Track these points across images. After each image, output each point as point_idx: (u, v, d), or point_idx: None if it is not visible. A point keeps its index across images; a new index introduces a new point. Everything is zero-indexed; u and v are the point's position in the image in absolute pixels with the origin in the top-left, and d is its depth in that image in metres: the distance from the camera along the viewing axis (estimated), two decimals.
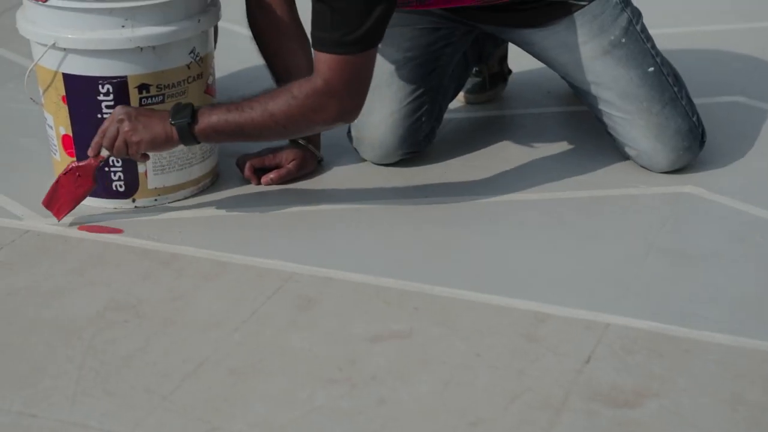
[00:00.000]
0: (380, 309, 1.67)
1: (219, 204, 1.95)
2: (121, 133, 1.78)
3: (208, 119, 1.77)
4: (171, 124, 1.77)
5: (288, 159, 1.99)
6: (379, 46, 1.84)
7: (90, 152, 1.82)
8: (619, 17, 1.94)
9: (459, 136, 2.16)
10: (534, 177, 2.01)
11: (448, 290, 1.70)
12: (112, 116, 1.79)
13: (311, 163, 2.02)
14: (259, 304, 1.68)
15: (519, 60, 2.34)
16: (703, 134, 1.99)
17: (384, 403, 1.48)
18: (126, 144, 1.78)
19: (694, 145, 1.96)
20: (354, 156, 2.07)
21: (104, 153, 1.82)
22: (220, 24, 1.99)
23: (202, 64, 1.91)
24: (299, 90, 1.76)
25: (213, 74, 1.96)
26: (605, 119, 1.98)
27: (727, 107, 2.20)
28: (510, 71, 2.32)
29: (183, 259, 1.79)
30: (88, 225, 1.87)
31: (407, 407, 1.47)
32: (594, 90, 1.96)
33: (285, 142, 2.01)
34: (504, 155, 2.09)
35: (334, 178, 2.02)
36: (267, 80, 2.43)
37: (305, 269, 1.76)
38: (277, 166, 1.99)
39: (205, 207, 1.94)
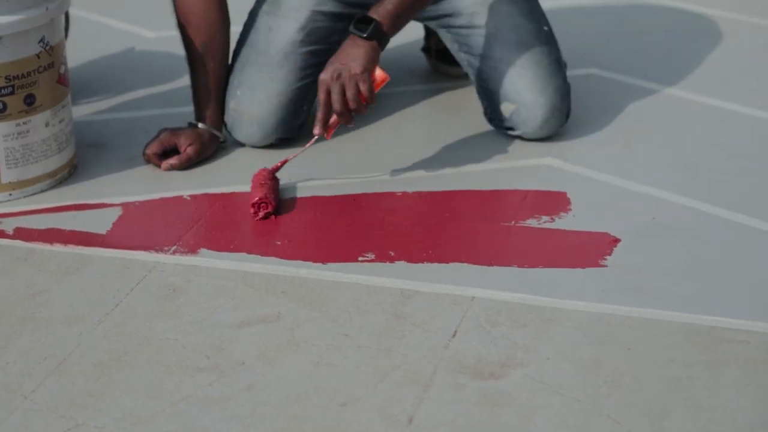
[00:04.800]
0: (247, 295, 1.66)
1: (78, 196, 1.90)
2: (347, 81, 1.80)
3: (386, 12, 1.83)
4: (365, 38, 1.81)
5: (186, 142, 1.96)
6: (279, 18, 1.96)
7: (317, 131, 1.83)
8: None
9: None
10: (399, 157, 2.02)
11: (316, 272, 1.69)
12: (323, 85, 1.81)
13: (212, 146, 2.00)
14: (122, 296, 1.65)
15: None
16: (569, 108, 2.04)
17: (253, 388, 1.47)
18: (356, 86, 1.80)
19: (564, 110, 2.03)
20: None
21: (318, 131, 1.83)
22: (71, 12, 1.95)
23: (52, 53, 1.86)
24: None
25: (65, 63, 1.91)
26: (491, 72, 2.00)
27: (582, 80, 2.25)
28: None
29: (42, 253, 1.75)
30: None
31: (277, 391, 1.46)
32: (491, 38, 1.99)
33: (183, 124, 2.00)
34: (369, 136, 2.10)
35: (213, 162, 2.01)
36: (127, 69, 2.39)
37: (169, 258, 1.73)
38: (176, 150, 1.97)
39: (64, 199, 1.89)
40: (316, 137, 1.87)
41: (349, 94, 1.81)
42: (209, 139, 2.00)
